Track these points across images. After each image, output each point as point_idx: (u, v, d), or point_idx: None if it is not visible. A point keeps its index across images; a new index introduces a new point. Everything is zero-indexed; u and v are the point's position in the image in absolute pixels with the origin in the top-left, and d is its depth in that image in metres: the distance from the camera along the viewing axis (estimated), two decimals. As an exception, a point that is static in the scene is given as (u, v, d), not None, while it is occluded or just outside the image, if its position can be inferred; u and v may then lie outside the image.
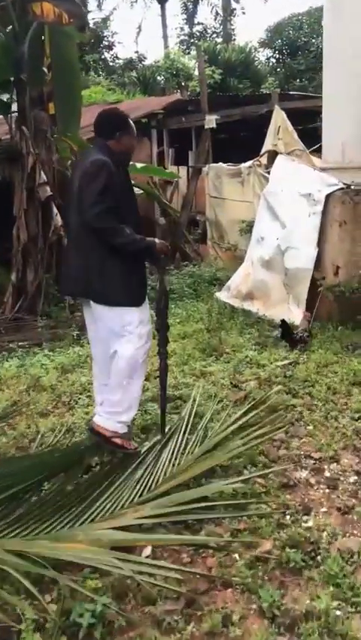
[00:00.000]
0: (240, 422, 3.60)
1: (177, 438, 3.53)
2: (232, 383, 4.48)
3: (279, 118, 8.36)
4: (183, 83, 22.13)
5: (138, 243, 3.29)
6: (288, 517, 2.88)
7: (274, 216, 6.26)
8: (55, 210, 6.73)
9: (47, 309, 6.55)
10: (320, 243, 5.78)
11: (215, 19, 32.80)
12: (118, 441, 3.42)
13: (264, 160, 8.78)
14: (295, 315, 5.92)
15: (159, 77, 23.56)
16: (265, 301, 6.28)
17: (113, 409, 3.43)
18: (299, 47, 26.35)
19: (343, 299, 5.62)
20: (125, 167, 3.52)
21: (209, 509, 2.86)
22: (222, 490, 2.99)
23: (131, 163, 7.44)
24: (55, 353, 5.43)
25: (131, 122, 3.47)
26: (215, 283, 8.08)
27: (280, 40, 27.13)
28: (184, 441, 3.48)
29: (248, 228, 7.13)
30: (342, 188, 5.76)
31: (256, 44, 27.77)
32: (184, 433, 3.59)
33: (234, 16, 32.43)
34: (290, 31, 26.88)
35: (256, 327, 5.92)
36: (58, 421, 3.97)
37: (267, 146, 8.62)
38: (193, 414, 3.83)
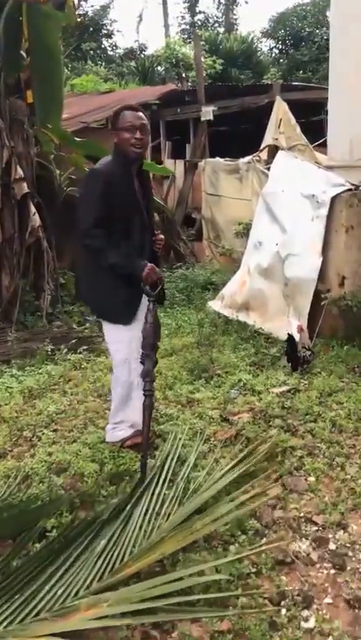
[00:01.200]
0: (229, 475, 3.01)
1: (153, 492, 2.94)
2: (221, 416, 3.88)
3: (280, 110, 7.72)
4: (183, 74, 21.54)
5: (123, 268, 3.16)
6: (283, 611, 2.30)
7: (273, 219, 5.64)
8: (33, 209, 6.12)
9: (22, 318, 5.94)
10: (325, 250, 5.17)
11: (217, 8, 32.10)
12: (128, 443, 3.50)
13: (264, 155, 8.16)
14: (296, 329, 5.31)
15: (159, 67, 22.92)
16: (263, 313, 5.68)
17: (114, 426, 3.53)
18: (303, 38, 25.67)
19: (349, 314, 5.02)
20: (135, 167, 3.26)
21: (185, 604, 2.28)
22: (203, 573, 2.40)
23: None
24: (24, 372, 4.83)
25: (122, 112, 3.18)
26: (209, 288, 7.49)
27: (283, 31, 26.43)
28: (161, 497, 2.90)
29: (245, 231, 6.51)
30: (350, 189, 5.14)
31: (259, 34, 27.12)
32: (162, 484, 3.01)
33: (237, 6, 31.75)
34: (294, 22, 26.17)
35: (252, 342, 5.33)
36: (14, 464, 3.38)
37: (267, 140, 7.99)
38: (175, 457, 3.25)
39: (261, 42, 26.93)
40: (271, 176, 5.88)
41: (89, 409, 4.09)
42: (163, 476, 3.08)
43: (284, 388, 4.26)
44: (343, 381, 4.43)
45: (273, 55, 27.37)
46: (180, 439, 3.47)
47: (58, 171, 7.19)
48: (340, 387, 4.28)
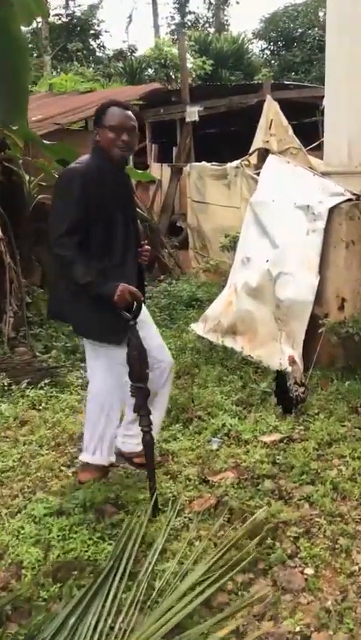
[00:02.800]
0: (203, 567, 2.35)
1: (108, 594, 2.28)
2: (200, 476, 3.21)
3: (271, 110, 7.09)
4: (172, 75, 20.93)
5: (94, 287, 2.77)
6: None
7: (263, 232, 4.99)
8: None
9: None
10: (322, 268, 4.52)
11: (208, 9, 31.49)
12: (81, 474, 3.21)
13: (254, 159, 7.50)
14: (287, 360, 4.66)
15: (149, 69, 22.32)
16: (251, 338, 5.02)
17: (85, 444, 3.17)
18: (295, 39, 25.17)
19: (350, 342, 4.37)
20: (118, 169, 2.99)
21: None
22: None
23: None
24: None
25: (110, 108, 2.86)
26: (194, 305, 6.83)
27: (274, 32, 25.88)
28: (117, 601, 2.23)
29: (232, 244, 5.86)
30: (350, 199, 4.50)
31: (250, 35, 26.56)
32: (120, 580, 2.34)
33: (227, 6, 31.13)
34: (285, 22, 25.64)
35: (239, 373, 4.66)
36: None
37: (257, 142, 7.35)
38: (138, 539, 2.59)
39: (252, 43, 26.42)
40: (260, 183, 5.23)
41: (43, 464, 3.41)
42: (122, 568, 2.42)
43: (275, 437, 3.60)
44: (344, 426, 3.78)
45: (264, 56, 26.82)
46: (146, 511, 2.82)
47: (28, 177, 6.52)
48: (341, 435, 3.62)
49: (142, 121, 9.76)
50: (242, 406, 4.09)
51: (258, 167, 7.13)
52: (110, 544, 2.65)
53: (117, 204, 2.91)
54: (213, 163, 7.97)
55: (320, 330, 4.38)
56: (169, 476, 3.21)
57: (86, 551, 2.62)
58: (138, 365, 2.82)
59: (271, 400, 4.15)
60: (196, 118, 8.30)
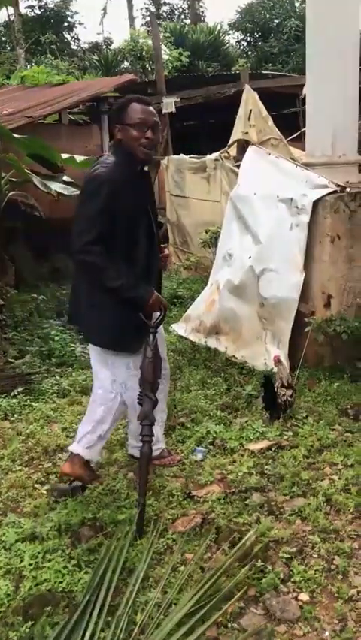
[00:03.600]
0: (189, 598, 2.14)
1: (84, 634, 2.07)
2: (184, 491, 3.00)
3: (250, 100, 6.84)
4: (148, 67, 20.61)
5: (125, 292, 2.72)
6: None
7: (245, 227, 4.78)
8: None
9: None
10: (307, 264, 4.33)
11: (183, 0, 31.12)
12: (156, 462, 3.22)
13: (233, 151, 7.29)
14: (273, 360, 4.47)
15: (125, 62, 21.95)
16: (235, 338, 4.82)
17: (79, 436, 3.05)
18: (272, 29, 24.93)
19: (337, 341, 4.18)
20: (141, 169, 2.89)
21: None
22: None
23: (68, 156, 5.96)
24: None
25: (131, 104, 2.75)
26: (175, 302, 6.59)
27: (251, 23, 25.63)
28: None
29: (213, 240, 5.65)
30: (335, 192, 4.31)
31: (227, 26, 26.27)
32: (99, 616, 2.14)
33: (203, -4, 30.83)
34: (262, 13, 25.38)
35: (223, 375, 4.46)
36: None
37: (236, 134, 7.10)
38: (119, 567, 2.38)
39: (228, 34, 26.16)
40: (241, 176, 5.01)
41: (14, 482, 3.17)
42: (101, 601, 2.21)
43: (263, 445, 3.40)
44: (334, 430, 3.60)
45: (241, 47, 26.58)
46: (127, 533, 2.60)
47: (-1, 173, 6.24)
48: (332, 440, 3.44)
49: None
50: (227, 411, 3.88)
51: (238, 159, 6.92)
52: (88, 572, 2.43)
53: (142, 209, 2.83)
54: (192, 155, 7.73)
55: (306, 329, 4.19)
56: (151, 492, 2.99)
57: (61, 582, 2.39)
58: (152, 374, 2.79)
59: (258, 403, 3.96)
60: (173, 109, 8.05)
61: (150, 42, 20.95)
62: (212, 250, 5.73)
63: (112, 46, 26.65)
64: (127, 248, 2.74)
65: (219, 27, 23.56)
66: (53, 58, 21.00)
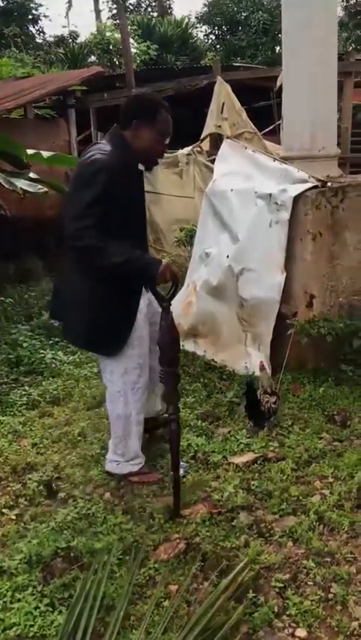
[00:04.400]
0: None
1: None
2: (165, 513, 2.77)
3: (223, 92, 6.67)
4: (115, 60, 20.26)
5: (133, 264, 2.63)
6: None
7: (222, 225, 4.57)
8: None
9: None
10: (288, 263, 4.13)
11: (150, -8, 30.69)
12: (135, 479, 3.03)
13: (206, 145, 7.11)
14: (256, 362, 4.27)
15: (92, 56, 21.53)
16: (214, 341, 4.61)
17: (117, 458, 3.03)
18: (240, 22, 24.78)
19: (322, 342, 4.00)
20: (145, 169, 2.89)
21: None
22: None
23: (34, 151, 5.66)
24: None
25: (162, 110, 2.74)
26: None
27: (219, 17, 25.42)
28: None
29: (188, 238, 5.42)
30: (315, 187, 4.12)
31: (194, 19, 26.03)
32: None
33: (169, -11, 30.41)
34: (229, 6, 25.19)
35: (203, 380, 4.24)
36: None
37: (209, 127, 6.93)
38: (97, 604, 2.15)
39: (196, 27, 25.92)
40: (216, 171, 4.79)
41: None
42: (77, 646, 1.98)
43: (248, 457, 3.20)
44: (322, 438, 3.41)
45: (209, 41, 26.35)
46: (104, 564, 2.37)
47: None
48: (320, 450, 3.25)
49: (83, 107, 9.18)
50: (208, 421, 3.67)
51: (211, 153, 6.73)
52: (62, 612, 2.20)
53: (135, 205, 2.83)
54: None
55: (288, 332, 4.00)
56: (129, 515, 2.76)
57: (32, 625, 2.15)
58: (171, 349, 2.72)
59: (240, 411, 3.75)
60: (143, 102, 7.78)
61: (117, 35, 20.62)
62: (187, 249, 5.51)
63: (78, 40, 26.21)
64: (118, 237, 2.63)
65: (187, 20, 23.32)
66: (17, 51, 20.50)
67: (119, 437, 3.01)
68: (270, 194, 4.17)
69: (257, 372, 4.15)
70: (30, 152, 6.10)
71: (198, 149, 7.02)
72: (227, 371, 4.38)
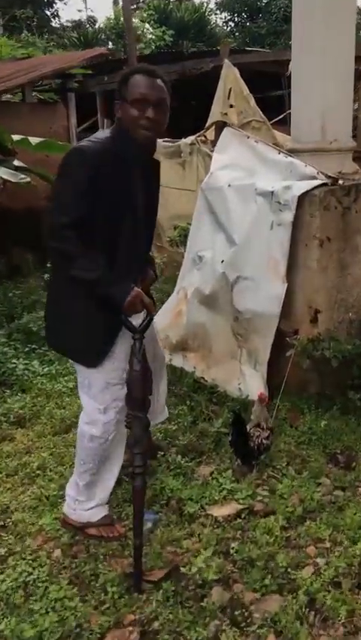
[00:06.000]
0: None
1: None
2: (122, 584, 2.26)
3: (230, 77, 6.03)
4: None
5: (98, 288, 2.28)
6: None
7: (218, 225, 4.02)
8: None
9: None
10: (290, 272, 3.59)
11: (168, -23, 29.96)
12: (93, 531, 2.54)
13: (211, 135, 6.51)
14: (251, 383, 3.75)
15: (110, 43, 20.96)
16: (205, 356, 4.08)
17: (78, 497, 2.55)
18: (260, 9, 24.02)
19: (326, 366, 3.46)
20: (143, 155, 2.43)
21: None
22: None
23: (21, 137, 5.16)
24: None
25: (134, 76, 2.30)
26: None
27: (238, 3, 24.67)
28: None
29: (182, 238, 4.89)
30: (325, 184, 3.56)
31: (213, 6, 25.34)
32: None
33: (189, -26, 29.66)
34: (250, -8, 24.44)
35: (190, 403, 3.72)
36: None
37: (214, 115, 6.28)
38: None
39: (216, 14, 25.24)
40: (214, 163, 4.24)
41: None
42: None
43: (231, 510, 2.67)
44: (321, 484, 2.88)
45: (228, 28, 25.63)
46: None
47: None
48: (318, 502, 2.72)
49: (88, 91, 8.63)
50: (190, 456, 3.14)
51: (216, 143, 6.17)
52: None
53: (133, 200, 2.36)
54: (166, 139, 6.93)
55: (288, 353, 3.46)
56: (76, 586, 2.25)
57: None
58: (140, 389, 2.34)
59: (227, 444, 3.23)
60: (145, 87, 7.23)
61: (134, 20, 20.03)
62: (182, 250, 4.97)
63: (96, 25, 25.64)
64: (105, 243, 2.30)
65: (205, 6, 22.67)
66: (29, 35, 19.98)
67: (88, 469, 2.53)
68: (272, 192, 3.61)
69: (252, 392, 3.65)
70: (16, 137, 5.60)
71: (203, 138, 6.44)
72: (218, 392, 3.85)
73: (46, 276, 6.32)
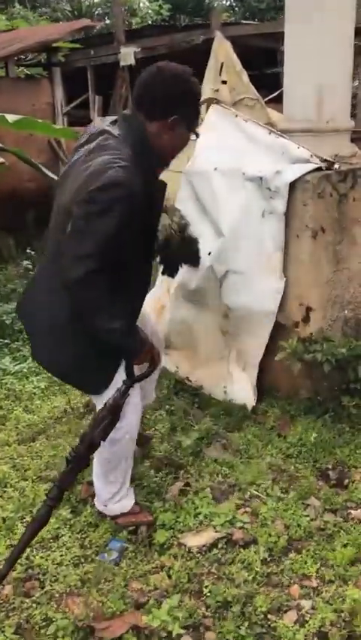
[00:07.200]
0: None
1: None
2: (78, 626, 1.97)
3: (222, 51, 5.62)
4: (126, 20, 19.16)
5: (116, 338, 2.08)
6: None
7: (203, 213, 3.67)
8: None
9: None
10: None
11: None
12: (121, 521, 2.43)
13: (202, 112, 6.13)
14: (237, 386, 3.46)
15: (107, 17, 20.32)
16: (190, 356, 3.76)
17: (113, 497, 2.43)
18: (262, -17, 23.28)
19: (318, 370, 3.15)
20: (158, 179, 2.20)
21: None
22: None
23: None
24: None
25: (198, 104, 2.16)
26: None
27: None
28: None
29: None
30: (319, 169, 3.21)
31: (213, -21, 24.55)
32: None
33: None
34: (251, -36, 23.69)
35: (170, 406, 3.43)
36: None
37: (206, 92, 5.89)
38: None
39: (216, -12, 24.49)
40: (198, 144, 3.87)
41: None
42: None
43: (206, 539, 2.38)
44: (309, 506, 2.58)
45: (228, 2, 24.90)
46: None
47: None
48: (305, 529, 2.42)
49: (74, 67, 8.19)
50: (165, 471, 2.84)
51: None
52: None
53: (152, 228, 2.27)
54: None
55: (277, 358, 3.15)
56: (22, 638, 1.96)
57: None
58: (101, 431, 2.13)
59: (209, 454, 2.95)
60: (132, 61, 6.81)
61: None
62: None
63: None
64: (122, 264, 2.07)
65: (203, -22, 21.95)
66: (21, 8, 19.34)
67: (121, 469, 2.43)
68: (261, 177, 3.27)
69: (240, 397, 3.37)
70: (-8, 115, 5.22)
71: (193, 117, 6.07)
72: (201, 394, 3.55)
73: (25, 262, 6.01)
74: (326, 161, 3.24)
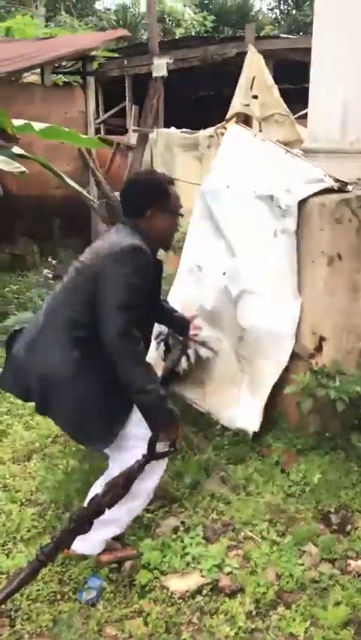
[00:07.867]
0: None
1: None
2: None
3: (254, 65, 5.57)
4: (170, 30, 19.24)
5: (154, 398, 2.15)
6: None
7: (218, 232, 3.54)
8: None
9: None
10: (293, 292, 3.11)
11: None
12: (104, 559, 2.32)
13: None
14: (245, 410, 3.30)
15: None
16: (202, 381, 3.60)
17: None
18: (307, -3, 23.14)
19: (329, 407, 2.97)
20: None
21: None
22: None
23: (23, 122, 4.81)
24: None
25: (170, 188, 2.47)
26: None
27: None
28: None
29: (181, 243, 4.41)
30: (337, 192, 3.06)
31: (259, -8, 24.54)
32: None
33: None
34: (298, -22, 23.56)
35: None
36: None
37: (235, 106, 5.86)
38: None
39: (262, 1, 24.47)
40: (216, 163, 3.75)
41: None
42: None
43: (191, 583, 2.23)
44: (305, 553, 2.41)
45: (274, 15, 24.81)
46: None
47: None
48: (297, 580, 2.25)
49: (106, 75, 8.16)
50: (158, 503, 2.71)
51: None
52: None
53: (157, 296, 2.66)
54: (184, 130, 6.47)
55: (286, 391, 2.99)
56: None
57: None
58: (111, 499, 2.11)
59: (206, 489, 2.81)
60: (165, 72, 6.75)
61: (174, 4, 19.54)
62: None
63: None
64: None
65: (248, -9, 21.91)
66: (67, 16, 19.62)
67: (139, 505, 2.38)
68: (271, 196, 3.14)
69: (249, 426, 3.21)
70: (18, 122, 5.21)
71: (223, 130, 5.96)
72: (208, 421, 3.41)
73: (45, 271, 5.98)
74: (339, 181, 3.08)
